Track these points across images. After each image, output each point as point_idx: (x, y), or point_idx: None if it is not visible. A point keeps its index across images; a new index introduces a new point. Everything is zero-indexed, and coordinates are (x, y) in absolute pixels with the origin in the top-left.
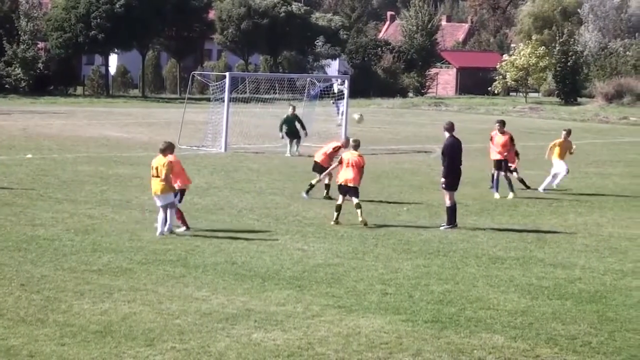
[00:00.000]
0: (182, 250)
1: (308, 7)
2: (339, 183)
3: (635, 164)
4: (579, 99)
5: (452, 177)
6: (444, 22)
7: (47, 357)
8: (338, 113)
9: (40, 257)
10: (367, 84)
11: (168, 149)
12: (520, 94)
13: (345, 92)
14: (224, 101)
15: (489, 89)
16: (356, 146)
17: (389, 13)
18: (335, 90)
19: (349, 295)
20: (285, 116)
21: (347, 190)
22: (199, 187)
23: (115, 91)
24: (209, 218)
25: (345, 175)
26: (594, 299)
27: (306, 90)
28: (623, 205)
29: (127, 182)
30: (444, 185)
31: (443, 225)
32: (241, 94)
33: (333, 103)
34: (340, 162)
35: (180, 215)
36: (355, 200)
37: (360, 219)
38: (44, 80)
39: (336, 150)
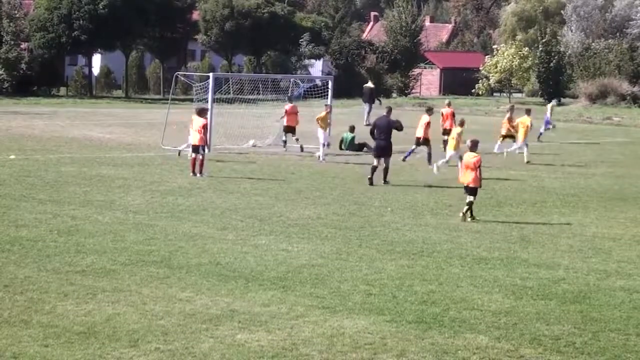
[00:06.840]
0: (165, 251)
1: (291, 8)
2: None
3: (618, 165)
4: (562, 100)
5: (375, 147)
6: (427, 23)
7: (31, 358)
8: (369, 114)
9: (23, 258)
10: (350, 84)
11: (204, 111)
12: (504, 94)
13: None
14: (207, 102)
15: (473, 90)
16: (473, 147)
17: (372, 14)
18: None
19: (333, 296)
20: None
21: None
22: (183, 187)
23: (98, 92)
24: (192, 219)
25: (466, 177)
26: (577, 299)
27: (290, 91)
28: (606, 205)
29: (110, 183)
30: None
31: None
32: (225, 94)
33: (366, 102)
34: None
35: (202, 163)
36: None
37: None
38: (27, 81)
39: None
